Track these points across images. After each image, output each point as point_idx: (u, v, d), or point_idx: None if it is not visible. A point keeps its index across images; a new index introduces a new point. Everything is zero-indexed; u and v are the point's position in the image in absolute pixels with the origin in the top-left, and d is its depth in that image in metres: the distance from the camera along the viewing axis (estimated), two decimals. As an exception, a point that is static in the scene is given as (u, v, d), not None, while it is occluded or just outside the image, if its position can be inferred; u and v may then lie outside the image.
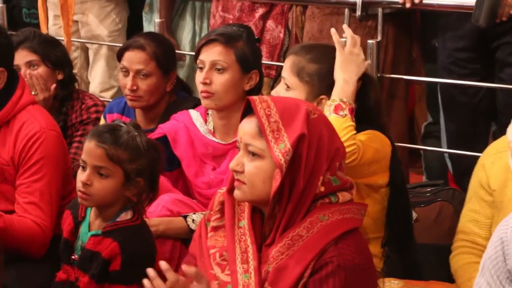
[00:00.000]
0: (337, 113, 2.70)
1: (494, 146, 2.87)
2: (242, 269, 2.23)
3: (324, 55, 2.96)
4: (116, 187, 2.70)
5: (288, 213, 2.21)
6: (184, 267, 2.12)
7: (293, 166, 2.19)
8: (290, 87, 2.87)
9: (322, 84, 2.88)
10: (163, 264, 2.10)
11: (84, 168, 2.69)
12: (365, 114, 2.88)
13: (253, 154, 2.23)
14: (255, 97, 2.27)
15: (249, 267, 2.23)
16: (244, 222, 2.31)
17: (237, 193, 2.27)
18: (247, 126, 2.26)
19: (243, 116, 2.30)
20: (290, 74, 2.89)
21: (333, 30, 2.97)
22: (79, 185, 2.69)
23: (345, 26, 2.97)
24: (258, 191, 2.23)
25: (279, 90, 2.94)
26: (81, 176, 2.69)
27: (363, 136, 2.75)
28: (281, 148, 2.17)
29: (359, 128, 2.77)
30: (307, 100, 2.81)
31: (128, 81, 3.54)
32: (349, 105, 2.75)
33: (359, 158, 2.67)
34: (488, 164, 2.82)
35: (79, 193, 2.70)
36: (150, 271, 2.10)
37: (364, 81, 2.92)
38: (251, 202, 2.29)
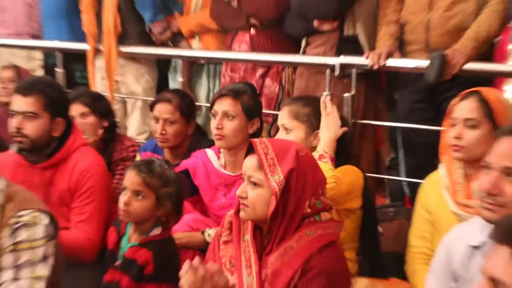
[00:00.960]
0: (321, 160, 2.72)
1: (432, 176, 2.85)
2: (246, 272, 2.25)
3: (312, 101, 3.00)
4: (150, 208, 2.73)
5: (282, 229, 2.22)
6: (210, 264, 2.12)
7: (285, 193, 2.20)
8: (290, 129, 2.89)
9: (317, 121, 2.90)
10: (195, 260, 2.08)
11: (125, 191, 2.73)
12: (343, 150, 2.91)
13: (254, 184, 2.24)
14: (255, 140, 2.28)
15: (252, 271, 2.24)
16: (248, 237, 2.31)
17: (242, 214, 2.29)
18: (250, 162, 2.27)
19: (246, 154, 2.32)
20: (289, 120, 2.90)
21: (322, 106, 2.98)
22: (121, 205, 2.73)
23: (328, 99, 2.96)
24: (259, 213, 2.24)
25: (280, 136, 2.95)
26: (123, 197, 2.73)
27: (340, 172, 2.75)
28: (276, 179, 2.18)
29: (338, 160, 2.81)
30: (306, 135, 2.89)
31: (158, 127, 3.55)
32: (330, 155, 2.79)
33: (338, 191, 2.69)
34: (427, 190, 2.82)
35: (121, 212, 2.74)
36: (187, 264, 2.09)
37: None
38: (253, 221, 2.30)
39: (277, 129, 3.07)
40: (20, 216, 2.43)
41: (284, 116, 2.93)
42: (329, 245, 2.22)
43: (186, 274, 2.07)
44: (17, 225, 2.41)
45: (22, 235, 2.41)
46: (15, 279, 2.39)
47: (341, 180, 2.72)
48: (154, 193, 2.73)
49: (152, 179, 2.73)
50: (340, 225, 2.34)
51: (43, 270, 2.43)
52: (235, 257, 2.30)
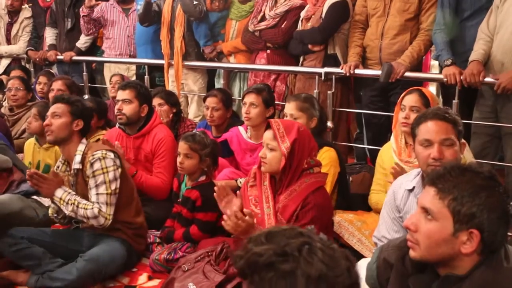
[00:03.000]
0: None
1: (385, 145, 2.81)
2: (266, 206, 2.23)
3: (309, 98, 2.93)
4: (196, 163, 2.71)
5: (288, 178, 2.19)
6: (244, 210, 2.10)
7: (291, 155, 2.17)
8: (297, 117, 2.81)
9: (315, 112, 2.83)
10: (235, 209, 2.09)
11: (180, 155, 2.70)
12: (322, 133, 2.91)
13: (271, 149, 2.19)
14: (271, 120, 2.25)
15: (270, 205, 2.21)
16: (266, 183, 2.28)
17: (262, 168, 2.24)
18: (268, 134, 2.22)
19: (265, 130, 2.26)
20: (296, 111, 2.83)
21: None
22: (178, 163, 2.71)
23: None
24: (273, 167, 2.20)
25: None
26: (178, 159, 2.70)
27: (326, 166, 2.66)
28: (285, 146, 2.16)
29: (320, 143, 2.74)
30: (307, 121, 2.80)
31: (208, 112, 3.51)
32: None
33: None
34: (382, 154, 2.78)
35: (178, 168, 2.72)
36: (229, 212, 2.10)
37: (322, 118, 2.89)
38: (270, 173, 2.25)
39: (284, 115, 2.99)
40: (94, 154, 2.44)
41: (292, 108, 2.84)
42: (319, 188, 2.20)
43: (228, 221, 2.07)
44: (93, 159, 2.43)
45: (97, 165, 2.42)
46: (97, 194, 2.42)
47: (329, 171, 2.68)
48: (197, 153, 2.69)
49: (195, 144, 2.68)
50: (326, 176, 2.30)
51: (114, 185, 2.44)
52: (258, 196, 2.26)
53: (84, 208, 2.41)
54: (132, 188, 2.62)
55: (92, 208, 2.40)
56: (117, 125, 3.25)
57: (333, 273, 0.90)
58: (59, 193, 2.45)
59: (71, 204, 2.43)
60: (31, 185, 2.47)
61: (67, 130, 2.50)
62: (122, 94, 3.12)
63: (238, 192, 2.26)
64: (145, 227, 2.72)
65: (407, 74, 3.28)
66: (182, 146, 2.70)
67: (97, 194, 2.44)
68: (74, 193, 2.48)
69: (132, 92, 3.10)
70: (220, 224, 2.24)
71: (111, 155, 2.47)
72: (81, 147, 2.51)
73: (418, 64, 3.42)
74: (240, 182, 3.00)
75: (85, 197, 2.47)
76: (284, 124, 2.22)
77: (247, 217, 2.09)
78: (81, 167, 2.47)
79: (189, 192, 2.70)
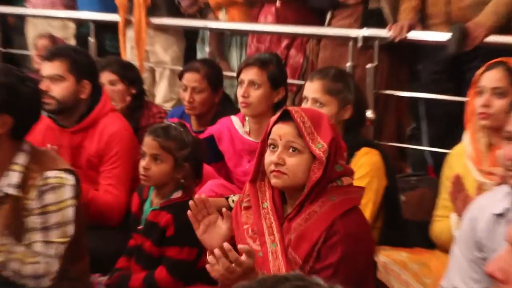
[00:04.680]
0: None
1: (456, 148, 2.84)
2: (269, 239, 2.20)
3: (342, 74, 2.97)
4: (168, 171, 2.71)
5: (313, 196, 2.18)
6: (240, 246, 2.12)
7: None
8: (323, 104, 2.81)
9: (349, 95, 2.85)
10: (226, 245, 2.07)
11: (144, 157, 2.72)
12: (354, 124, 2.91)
13: (294, 150, 2.17)
14: (291, 108, 2.23)
15: (275, 238, 2.19)
16: (267, 204, 2.26)
17: (277, 181, 2.20)
18: (286, 129, 2.19)
19: (276, 121, 2.23)
20: (322, 94, 2.83)
21: None
22: (141, 170, 2.73)
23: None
24: (298, 180, 2.17)
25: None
26: (142, 163, 2.72)
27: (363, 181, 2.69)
28: (319, 147, 2.14)
29: (349, 134, 2.78)
30: (338, 110, 2.83)
31: (186, 95, 3.56)
32: None
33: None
34: (451, 162, 2.80)
35: (141, 176, 2.73)
36: (217, 251, 2.09)
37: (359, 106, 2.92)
38: (287, 188, 2.22)
39: (301, 99, 3.00)
40: (46, 178, 2.42)
41: (316, 90, 2.85)
42: (351, 210, 2.19)
43: (215, 265, 2.09)
44: (45, 187, 2.41)
45: (50, 197, 2.42)
46: (46, 242, 2.41)
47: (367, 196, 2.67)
48: (171, 155, 2.70)
49: (168, 142, 2.70)
50: (361, 191, 2.30)
51: (71, 229, 2.47)
52: (256, 224, 2.26)
53: (21, 261, 2.36)
54: (83, 222, 2.62)
55: (35, 264, 2.38)
56: (45, 113, 3.22)
57: None
58: None
59: None
60: None
61: None
62: (49, 68, 3.14)
63: (224, 210, 2.27)
64: (87, 273, 2.72)
65: (489, 39, 3.30)
66: (149, 144, 2.71)
67: (46, 242, 2.39)
68: None
69: (64, 64, 3.12)
70: (202, 266, 2.23)
71: (70, 179, 2.46)
72: (22, 159, 2.44)
73: (506, 25, 3.43)
74: (233, 201, 2.93)
75: (13, 236, 2.39)
76: (309, 114, 2.22)
77: (244, 258, 2.06)
78: (19, 193, 2.40)
79: (156, 215, 2.70)
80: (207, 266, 2.11)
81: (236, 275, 2.06)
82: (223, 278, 2.09)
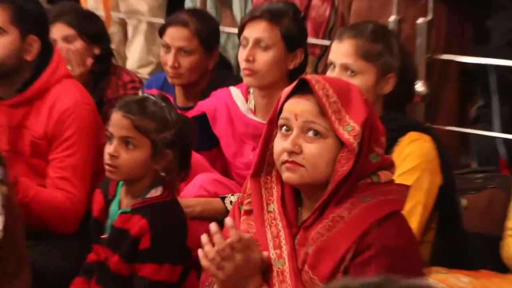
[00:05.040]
0: None
1: None
2: (275, 255, 2.22)
3: (383, 32, 2.99)
4: (144, 159, 2.70)
5: (341, 194, 2.19)
6: (241, 234, 2.18)
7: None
8: (357, 72, 2.84)
9: (392, 61, 2.87)
10: (228, 220, 2.14)
11: (111, 140, 2.70)
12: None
13: (316, 133, 2.18)
14: (310, 77, 2.24)
15: (282, 252, 2.21)
16: (274, 206, 2.27)
17: (292, 176, 2.20)
18: (305, 105, 2.20)
19: (290, 95, 2.24)
20: (356, 59, 2.85)
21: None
22: (106, 157, 2.72)
23: None
24: (319, 174, 2.19)
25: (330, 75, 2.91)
26: (108, 148, 2.71)
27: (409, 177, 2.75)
28: (349, 130, 2.15)
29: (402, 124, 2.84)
30: (375, 80, 2.85)
31: (169, 58, 3.59)
32: None
33: None
34: None
35: (106, 167, 2.73)
36: (213, 225, 2.14)
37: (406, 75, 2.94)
38: (304, 185, 2.23)
39: (326, 65, 3.03)
40: None
41: (347, 54, 2.87)
42: (391, 215, 2.19)
43: (205, 247, 2.14)
44: None
45: None
46: None
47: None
48: (148, 139, 2.70)
49: (145, 120, 2.70)
50: (406, 190, 2.30)
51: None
52: (258, 233, 2.28)
53: None
54: (19, 228, 2.65)
55: None
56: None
57: None
58: None
59: None
60: None
61: None
62: None
63: (228, 220, 2.25)
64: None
65: None
66: (118, 123, 2.72)
67: None
68: None
69: (5, 13, 3.16)
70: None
71: None
72: None
73: None
74: (231, 202, 2.99)
75: None
76: (335, 86, 2.22)
77: (234, 238, 2.14)
78: None
79: (126, 220, 2.72)
80: (199, 251, 2.15)
81: (231, 267, 2.12)
82: (216, 271, 2.13)
